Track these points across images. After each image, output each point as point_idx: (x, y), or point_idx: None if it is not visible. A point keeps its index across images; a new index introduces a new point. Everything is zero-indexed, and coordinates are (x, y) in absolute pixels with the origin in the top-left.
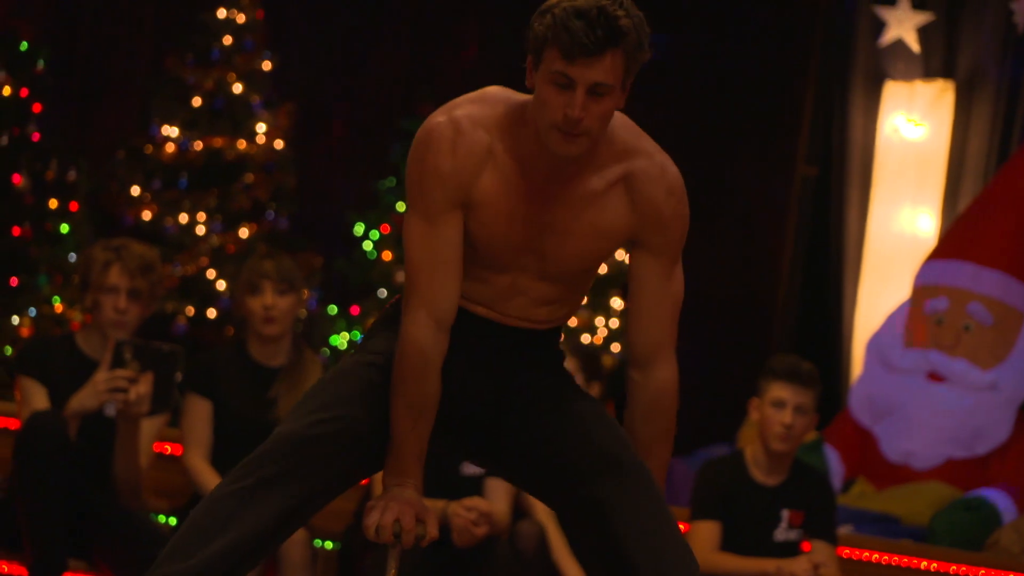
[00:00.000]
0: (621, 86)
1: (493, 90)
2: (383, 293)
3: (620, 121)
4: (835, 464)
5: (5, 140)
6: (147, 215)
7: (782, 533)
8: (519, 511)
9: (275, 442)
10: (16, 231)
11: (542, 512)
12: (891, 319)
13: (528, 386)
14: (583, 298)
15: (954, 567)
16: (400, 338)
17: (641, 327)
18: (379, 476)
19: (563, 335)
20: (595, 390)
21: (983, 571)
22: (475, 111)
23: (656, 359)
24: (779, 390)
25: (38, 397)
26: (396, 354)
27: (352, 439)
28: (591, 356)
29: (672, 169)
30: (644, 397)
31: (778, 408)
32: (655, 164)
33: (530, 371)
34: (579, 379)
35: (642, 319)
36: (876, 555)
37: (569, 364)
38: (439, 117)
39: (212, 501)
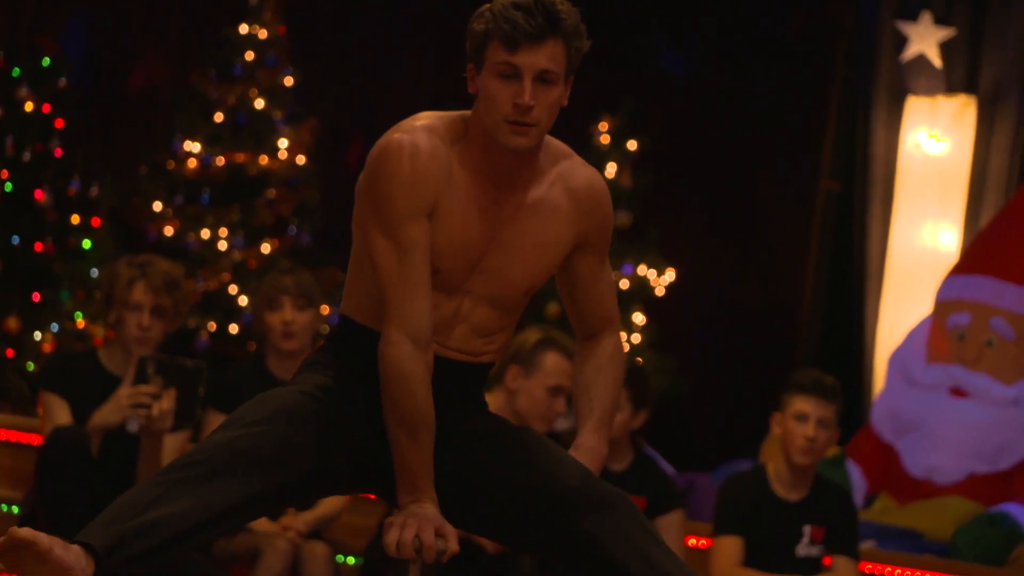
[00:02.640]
0: (565, 77)
1: (427, 113)
2: None
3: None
4: (857, 479)
5: (28, 156)
6: (169, 230)
7: (804, 548)
8: None
9: (203, 448)
10: (39, 247)
11: None
12: (913, 334)
13: (465, 425)
14: (509, 337)
15: None
16: (379, 359)
17: (589, 309)
18: None
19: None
20: (639, 420)
21: None
22: (428, 124)
23: (604, 331)
24: (802, 403)
25: (61, 412)
26: (380, 375)
27: (279, 455)
28: (638, 376)
29: (598, 173)
30: (596, 357)
31: (801, 421)
32: (585, 166)
33: (462, 409)
34: (626, 410)
35: (589, 304)
36: (899, 570)
37: None
38: (394, 134)
39: (138, 488)
